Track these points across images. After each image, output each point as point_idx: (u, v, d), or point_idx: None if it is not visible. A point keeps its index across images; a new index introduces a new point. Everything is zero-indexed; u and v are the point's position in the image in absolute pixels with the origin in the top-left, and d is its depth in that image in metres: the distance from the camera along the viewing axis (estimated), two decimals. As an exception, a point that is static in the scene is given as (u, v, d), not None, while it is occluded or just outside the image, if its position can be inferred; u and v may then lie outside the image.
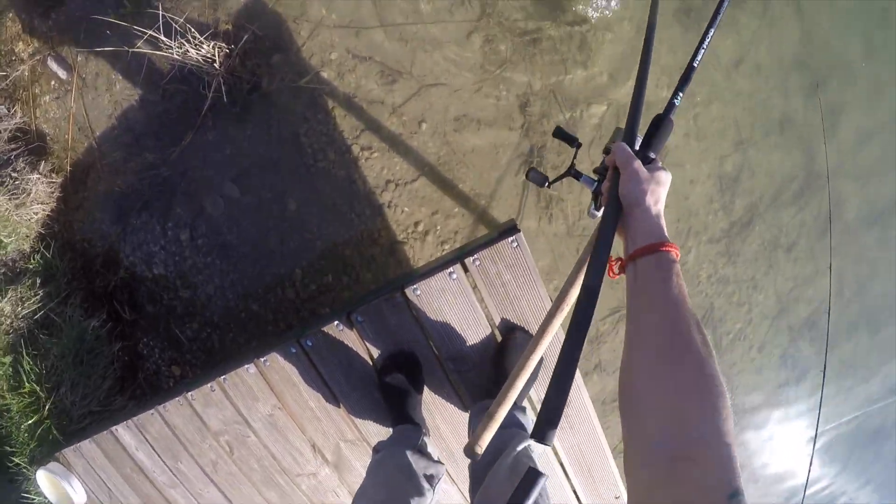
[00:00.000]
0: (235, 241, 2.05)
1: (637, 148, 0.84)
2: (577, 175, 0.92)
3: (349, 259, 2.03)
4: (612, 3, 1.99)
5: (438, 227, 2.06)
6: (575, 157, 0.92)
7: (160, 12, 1.82)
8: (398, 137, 1.99)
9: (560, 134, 0.97)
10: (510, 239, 1.36)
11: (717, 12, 0.96)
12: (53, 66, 2.17)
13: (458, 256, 1.40)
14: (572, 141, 0.96)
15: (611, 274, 0.76)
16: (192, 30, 1.83)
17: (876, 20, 2.14)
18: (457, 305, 1.43)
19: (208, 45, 1.86)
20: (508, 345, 1.41)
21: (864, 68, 2.17)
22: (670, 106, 0.88)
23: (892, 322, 2.43)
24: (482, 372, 1.49)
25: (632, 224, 0.75)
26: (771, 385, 2.43)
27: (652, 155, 0.83)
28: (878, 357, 2.47)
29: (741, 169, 2.14)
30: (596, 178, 0.90)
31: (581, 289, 0.72)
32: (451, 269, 1.38)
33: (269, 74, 1.95)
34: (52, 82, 2.20)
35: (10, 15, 2.21)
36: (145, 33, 1.85)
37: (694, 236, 2.18)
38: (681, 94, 0.90)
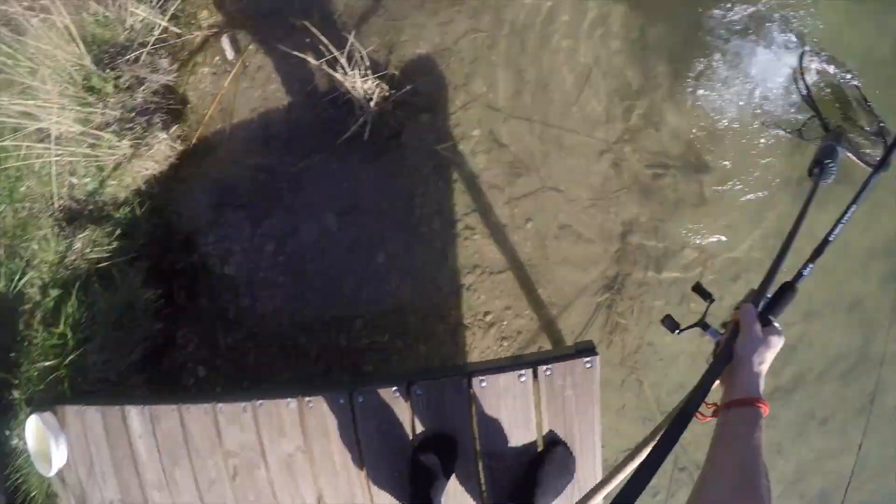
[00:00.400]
0: (314, 272, 2.08)
1: (761, 310, 0.95)
2: (706, 326, 1.01)
3: (411, 326, 2.04)
4: (755, 195, 2.04)
5: (505, 323, 2.07)
6: (707, 311, 1.02)
7: (351, 38, 1.88)
8: (503, 228, 2.04)
9: (698, 289, 1.07)
10: (586, 360, 1.46)
11: (862, 188, 1.12)
12: (225, 44, 2.30)
13: (533, 362, 1.47)
14: (707, 296, 1.05)
15: (700, 417, 0.85)
16: (367, 64, 1.93)
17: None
18: (514, 407, 1.49)
19: (372, 83, 1.96)
20: (547, 456, 1.47)
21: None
22: (798, 276, 1.00)
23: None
24: (513, 474, 1.51)
25: (735, 377, 0.85)
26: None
27: (772, 318, 0.94)
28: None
29: (800, 339, 2.15)
30: (721, 333, 0.99)
31: (678, 412, 0.80)
32: (522, 372, 1.46)
33: (411, 129, 2.05)
34: (217, 58, 2.32)
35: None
36: (331, 52, 1.90)
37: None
38: (811, 266, 1.01)
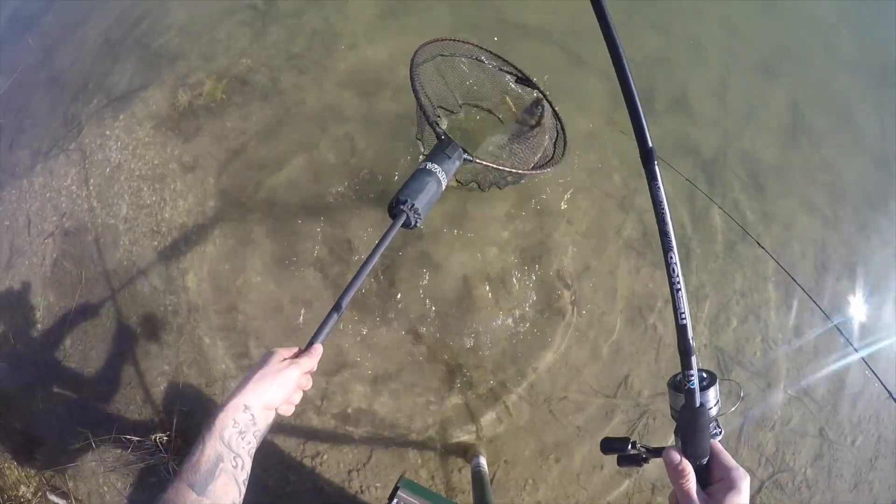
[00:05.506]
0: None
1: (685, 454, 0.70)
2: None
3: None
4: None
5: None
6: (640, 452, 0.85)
7: (90, 439, 2.16)
8: (336, 432, 2.15)
9: (608, 446, 0.86)
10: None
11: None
12: (53, 498, 2.43)
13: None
14: (625, 443, 0.84)
15: None
16: (134, 437, 2.11)
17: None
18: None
19: (150, 440, 2.13)
20: None
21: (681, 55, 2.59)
22: (689, 394, 0.72)
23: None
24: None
25: None
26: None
27: (703, 461, 0.69)
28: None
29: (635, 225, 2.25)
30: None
31: None
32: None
33: (209, 433, 2.17)
34: (57, 511, 2.46)
35: (6, 465, 2.48)
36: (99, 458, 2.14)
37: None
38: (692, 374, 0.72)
